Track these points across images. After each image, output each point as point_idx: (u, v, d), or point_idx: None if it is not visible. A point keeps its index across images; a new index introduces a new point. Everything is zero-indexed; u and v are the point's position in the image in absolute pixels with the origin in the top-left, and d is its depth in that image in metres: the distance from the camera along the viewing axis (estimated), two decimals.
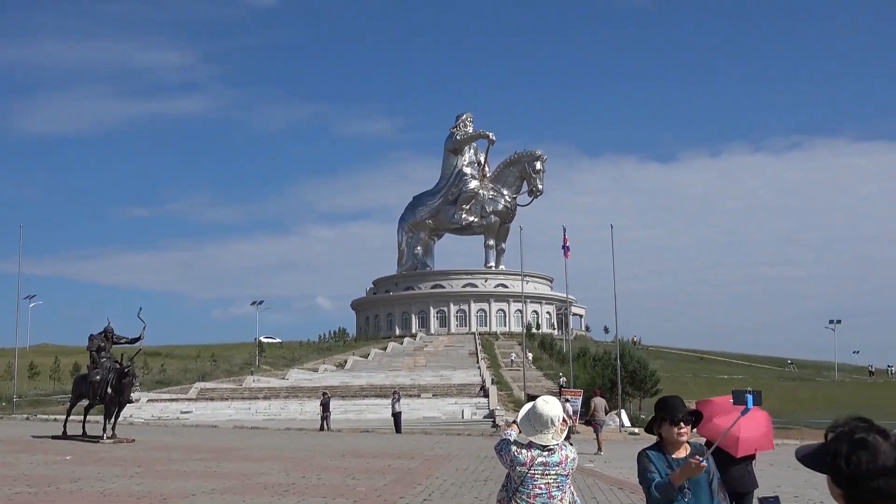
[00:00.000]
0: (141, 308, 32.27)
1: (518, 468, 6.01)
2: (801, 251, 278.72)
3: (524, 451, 6.04)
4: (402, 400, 43.57)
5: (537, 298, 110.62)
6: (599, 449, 30.67)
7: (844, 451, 2.99)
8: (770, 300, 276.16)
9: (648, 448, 5.76)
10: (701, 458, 5.40)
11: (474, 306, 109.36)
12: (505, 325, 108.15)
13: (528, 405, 6.21)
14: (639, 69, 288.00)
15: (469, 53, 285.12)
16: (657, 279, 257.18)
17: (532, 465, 6.00)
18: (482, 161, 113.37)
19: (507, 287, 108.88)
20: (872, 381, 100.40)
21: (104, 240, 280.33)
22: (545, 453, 6.04)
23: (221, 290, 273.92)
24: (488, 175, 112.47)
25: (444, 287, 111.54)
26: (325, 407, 42.42)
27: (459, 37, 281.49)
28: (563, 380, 56.07)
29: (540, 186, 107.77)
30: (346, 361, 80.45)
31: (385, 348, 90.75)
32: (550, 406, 6.08)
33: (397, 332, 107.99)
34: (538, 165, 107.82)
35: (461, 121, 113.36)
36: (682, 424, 5.56)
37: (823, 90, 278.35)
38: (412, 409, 48.16)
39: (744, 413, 5.65)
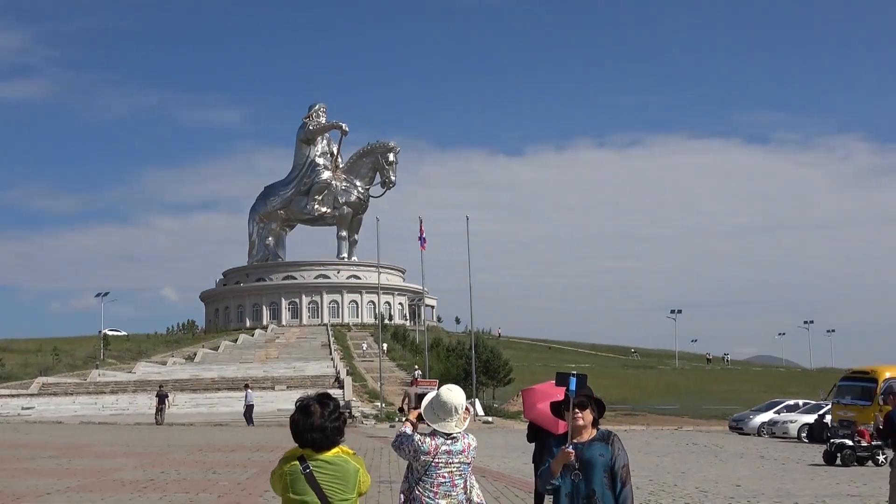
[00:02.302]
0: None
1: (422, 457, 6.05)
2: (642, 244, 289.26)
3: (428, 440, 6.09)
4: (254, 392, 43.17)
5: (390, 289, 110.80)
6: None
7: (294, 415, 4.64)
8: (614, 291, 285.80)
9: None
10: (568, 445, 5.68)
11: (326, 297, 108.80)
12: (357, 317, 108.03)
13: (432, 393, 6.26)
14: (487, 63, 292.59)
15: (320, 44, 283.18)
16: (506, 271, 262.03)
17: (436, 454, 6.06)
18: (335, 152, 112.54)
19: (359, 278, 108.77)
20: (710, 368, 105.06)
21: None
22: (448, 441, 6.11)
23: (60, 282, 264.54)
24: (341, 166, 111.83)
25: (296, 278, 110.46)
26: (161, 399, 41.87)
27: (311, 27, 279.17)
28: (417, 372, 56.52)
29: (393, 178, 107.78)
30: (195, 354, 78.73)
31: (236, 340, 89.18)
32: (454, 394, 6.16)
33: (248, 323, 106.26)
34: (391, 157, 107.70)
35: (314, 111, 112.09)
36: (576, 410, 5.77)
37: (662, 87, 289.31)
38: (266, 402, 47.69)
39: (570, 394, 5.82)
